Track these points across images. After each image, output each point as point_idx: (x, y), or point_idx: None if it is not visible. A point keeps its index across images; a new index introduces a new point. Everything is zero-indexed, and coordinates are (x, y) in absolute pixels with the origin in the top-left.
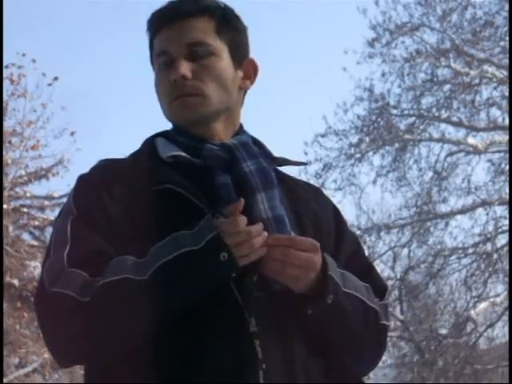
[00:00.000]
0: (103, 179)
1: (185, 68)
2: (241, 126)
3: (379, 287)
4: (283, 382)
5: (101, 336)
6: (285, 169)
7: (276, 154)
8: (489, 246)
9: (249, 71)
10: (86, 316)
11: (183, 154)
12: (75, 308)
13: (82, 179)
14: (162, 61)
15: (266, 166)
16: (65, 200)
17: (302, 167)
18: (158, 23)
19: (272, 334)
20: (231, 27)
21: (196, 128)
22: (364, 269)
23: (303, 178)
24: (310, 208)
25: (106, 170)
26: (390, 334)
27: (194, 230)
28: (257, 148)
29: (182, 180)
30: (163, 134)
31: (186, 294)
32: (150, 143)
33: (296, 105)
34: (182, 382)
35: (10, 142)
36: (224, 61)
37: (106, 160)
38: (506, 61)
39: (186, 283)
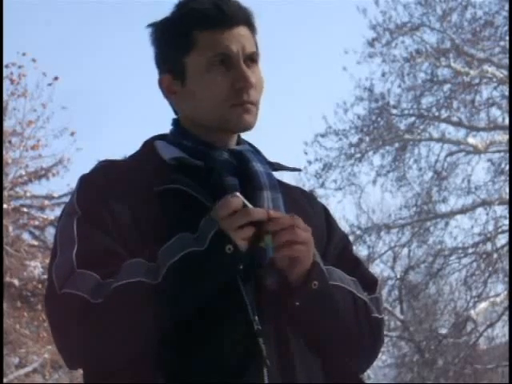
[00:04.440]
0: (106, 179)
1: (252, 76)
2: (239, 135)
3: (369, 281)
4: (284, 379)
5: (114, 338)
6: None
7: (276, 153)
8: (489, 246)
9: None
10: (99, 318)
11: (187, 156)
12: (88, 309)
13: (85, 179)
14: (220, 59)
15: (271, 172)
16: (65, 199)
17: (301, 167)
18: (212, 20)
19: (271, 331)
20: (257, 36)
21: (212, 135)
22: (352, 264)
23: (303, 177)
24: (304, 212)
25: (109, 171)
26: (390, 333)
27: (196, 235)
28: (260, 157)
29: (189, 181)
30: (162, 137)
31: (199, 293)
32: (149, 145)
33: (296, 105)
34: (188, 381)
35: (10, 142)
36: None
37: (107, 161)
38: (506, 60)
39: (198, 282)
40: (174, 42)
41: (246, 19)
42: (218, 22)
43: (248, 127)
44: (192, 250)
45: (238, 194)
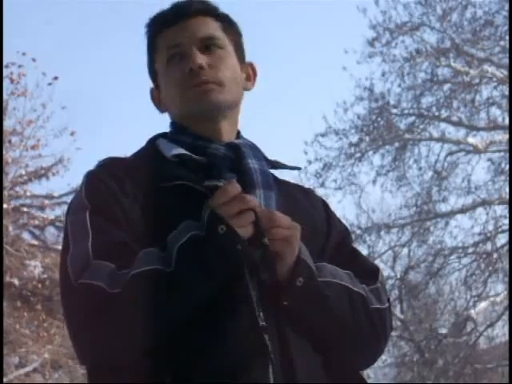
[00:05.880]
0: (113, 174)
1: (201, 58)
2: (238, 131)
3: (369, 271)
4: (285, 376)
5: (132, 327)
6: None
7: (276, 153)
8: (489, 246)
9: (249, 73)
10: (118, 307)
11: (187, 152)
12: (105, 299)
13: (92, 175)
14: (173, 53)
15: (267, 170)
16: (65, 199)
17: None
18: (165, 21)
19: (273, 327)
20: (234, 30)
21: (203, 126)
22: (350, 255)
23: (303, 177)
24: (303, 208)
25: (115, 167)
26: None
27: (200, 223)
28: (258, 153)
29: (193, 176)
30: (162, 136)
31: (209, 277)
32: (150, 144)
33: (296, 104)
34: (195, 376)
35: (9, 142)
36: (233, 57)
37: (112, 158)
38: (506, 60)
39: (205, 266)
40: (148, 54)
41: (203, 9)
42: (173, 19)
43: (214, 105)
44: (194, 233)
45: (234, 181)
